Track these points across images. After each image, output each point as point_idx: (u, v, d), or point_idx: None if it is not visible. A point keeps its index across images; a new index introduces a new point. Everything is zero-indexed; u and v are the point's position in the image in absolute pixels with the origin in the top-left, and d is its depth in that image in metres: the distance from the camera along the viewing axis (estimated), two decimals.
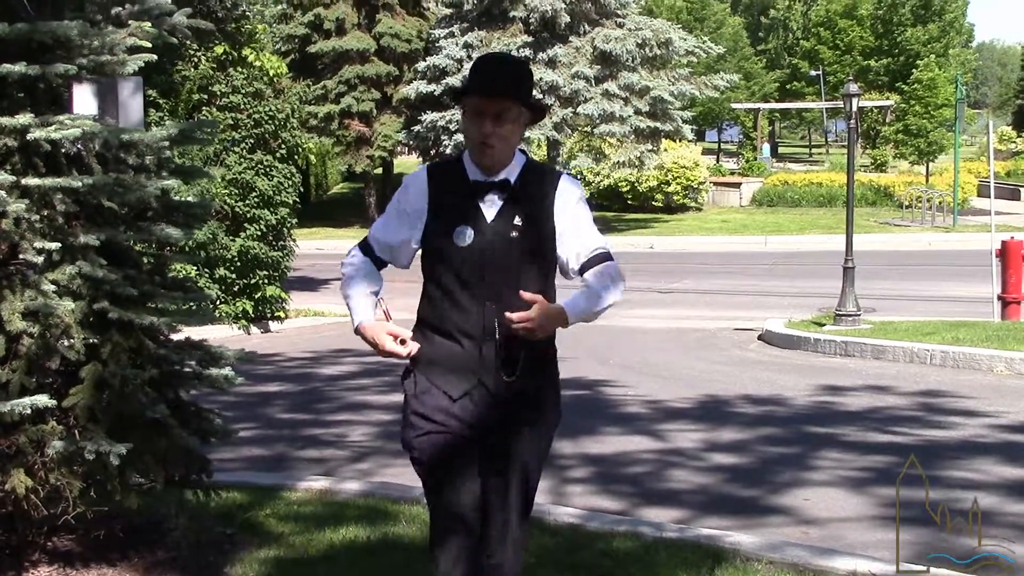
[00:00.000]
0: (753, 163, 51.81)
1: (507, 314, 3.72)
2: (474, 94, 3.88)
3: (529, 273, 3.88)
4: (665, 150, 39.05)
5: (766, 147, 61.88)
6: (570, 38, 35.37)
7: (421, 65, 37.13)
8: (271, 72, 20.92)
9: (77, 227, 5.40)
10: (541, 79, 34.06)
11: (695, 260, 28.54)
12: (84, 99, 5.93)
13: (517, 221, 3.88)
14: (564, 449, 8.75)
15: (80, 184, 5.29)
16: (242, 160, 19.37)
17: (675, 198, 42.26)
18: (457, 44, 36.05)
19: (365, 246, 4.12)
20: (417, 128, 37.07)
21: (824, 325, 16.26)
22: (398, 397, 4.29)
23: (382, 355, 3.93)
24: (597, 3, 35.63)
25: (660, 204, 42.30)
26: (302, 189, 20.98)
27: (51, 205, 5.35)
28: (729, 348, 15.45)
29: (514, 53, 34.44)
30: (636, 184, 41.85)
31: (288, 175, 19.87)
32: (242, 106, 19.49)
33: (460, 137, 34.70)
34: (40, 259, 5.28)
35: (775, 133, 76.95)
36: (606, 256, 3.93)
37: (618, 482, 7.84)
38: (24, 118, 5.23)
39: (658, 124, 35.45)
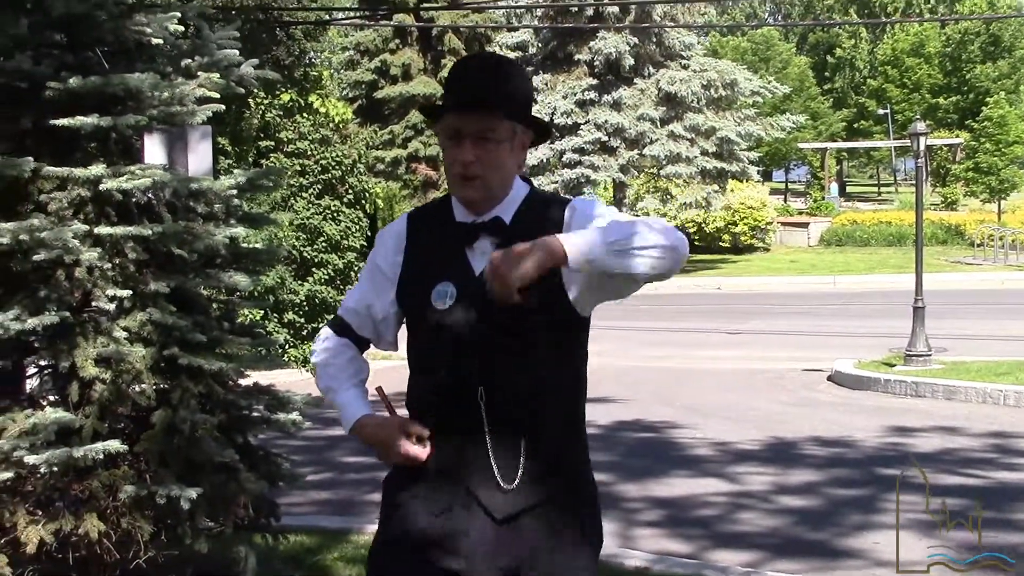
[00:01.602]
0: (821, 203, 51.52)
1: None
2: (448, 110, 2.97)
3: (536, 341, 2.93)
4: (732, 191, 38.98)
5: (834, 186, 61.48)
6: (635, 80, 35.47)
7: None
8: (337, 118, 21.17)
9: (148, 275, 5.49)
10: (607, 121, 34.21)
11: (763, 301, 28.37)
12: (154, 149, 6.05)
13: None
14: (630, 492, 8.73)
15: (151, 232, 5.38)
16: (310, 205, 19.59)
17: (742, 239, 42.09)
18: None
19: (339, 324, 3.23)
20: None
21: (894, 365, 16.08)
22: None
23: (394, 461, 3.02)
24: (662, 45, 35.73)
25: (727, 245, 42.14)
26: (369, 233, 21.16)
27: (123, 253, 5.44)
28: (798, 389, 15.33)
29: (578, 95, 34.73)
30: (703, 225, 41.74)
31: (355, 220, 20.05)
32: (309, 152, 19.73)
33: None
34: (112, 306, 5.37)
35: (843, 172, 76.46)
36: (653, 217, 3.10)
37: (687, 525, 7.80)
38: (97, 169, 5.34)
39: (724, 165, 35.40)
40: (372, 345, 3.27)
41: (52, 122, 5.34)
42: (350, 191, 19.99)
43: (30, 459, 5.03)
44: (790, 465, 9.81)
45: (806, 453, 10.46)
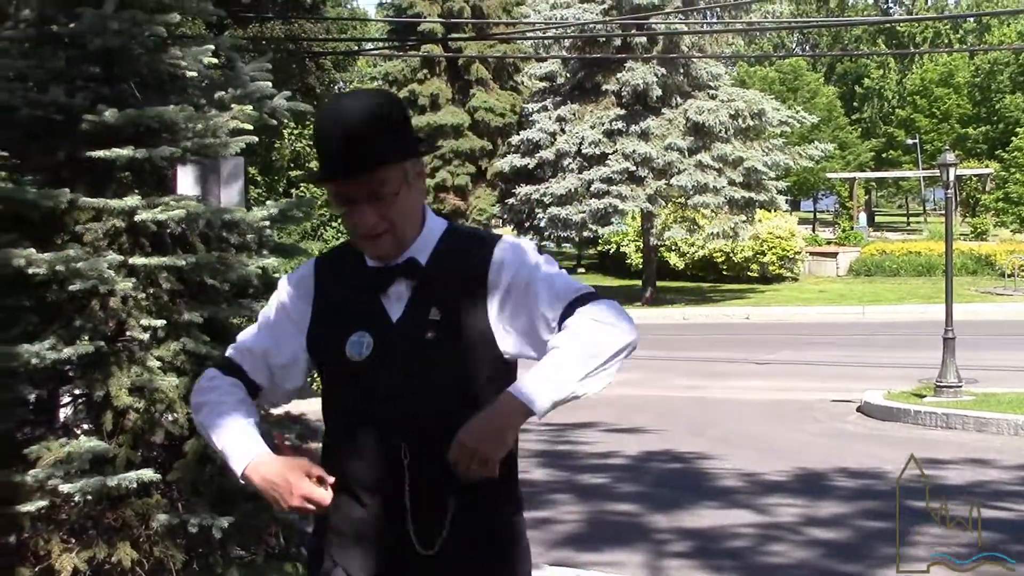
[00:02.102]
0: (850, 232, 51.36)
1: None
2: (328, 179, 2.73)
3: (458, 390, 2.71)
4: (760, 220, 38.88)
5: (863, 216, 61.30)
6: (663, 110, 35.49)
7: (515, 139, 37.48)
8: None
9: (181, 304, 5.55)
10: (634, 151, 34.24)
11: (791, 330, 28.27)
12: (187, 180, 6.11)
13: (434, 315, 2.73)
14: (660, 523, 8.71)
15: (184, 263, 5.45)
16: (339, 235, 19.69)
17: (771, 268, 41.99)
18: (550, 118, 36.34)
19: (228, 365, 2.90)
20: (511, 201, 37.35)
21: (924, 397, 15.99)
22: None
23: (292, 508, 2.67)
24: (689, 75, 35.77)
25: (756, 274, 42.02)
26: (466, 225, 21.29)
27: (157, 283, 5.51)
28: (827, 420, 15.26)
29: (606, 125, 34.80)
30: (731, 255, 41.64)
31: None
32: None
33: (557, 210, 34.99)
34: (146, 336, 5.43)
35: (871, 202, 76.25)
36: (592, 296, 2.75)
37: (717, 556, 7.78)
38: (132, 200, 5.41)
39: (752, 194, 35.35)
40: (261, 394, 2.92)
41: (88, 154, 5.42)
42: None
43: (65, 487, 5.08)
44: (820, 497, 9.77)
45: (836, 485, 10.41)
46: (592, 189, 34.79)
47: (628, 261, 42.93)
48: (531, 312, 2.74)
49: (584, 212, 34.82)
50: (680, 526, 8.72)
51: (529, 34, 36.48)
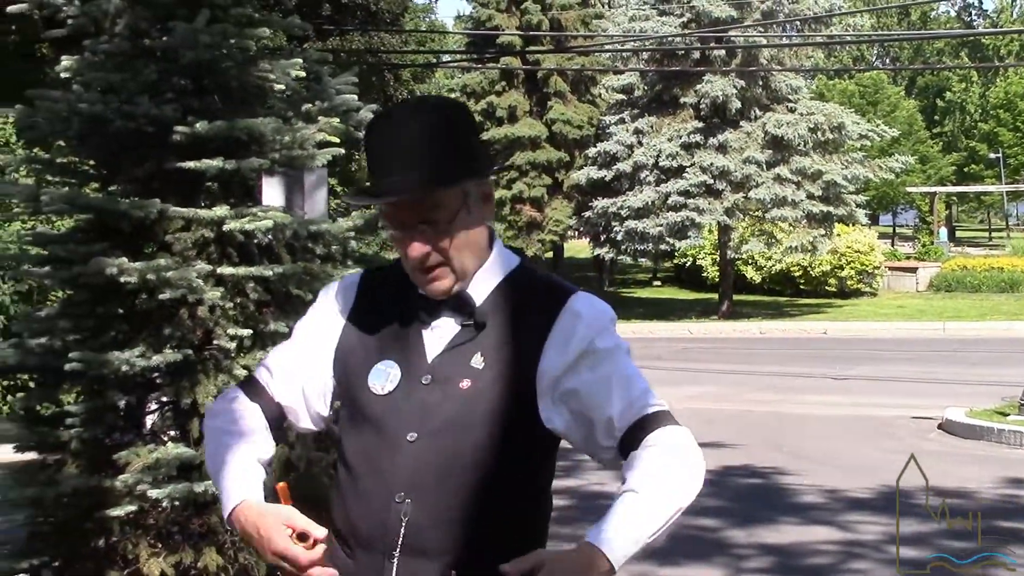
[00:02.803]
0: (930, 247, 50.73)
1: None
2: (378, 199, 2.43)
3: (483, 457, 2.36)
4: (838, 234, 38.54)
5: (943, 231, 60.49)
6: (741, 123, 35.30)
7: (592, 151, 37.45)
8: None
9: (267, 314, 5.63)
10: (712, 164, 34.07)
11: (870, 346, 27.95)
12: (272, 191, 6.19)
13: (476, 363, 2.36)
14: (739, 538, 8.66)
15: (271, 273, 5.52)
16: None
17: (849, 283, 41.57)
18: (627, 130, 36.28)
19: (255, 387, 2.59)
20: (588, 214, 37.33)
21: (1008, 415, 15.73)
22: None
23: (268, 559, 2.36)
24: (768, 88, 35.55)
25: (833, 289, 41.62)
26: (542, 272, 21.31)
27: (244, 293, 5.58)
28: (907, 437, 15.06)
29: (683, 138, 34.68)
30: (808, 269, 41.29)
31: None
32: None
33: (633, 223, 34.92)
34: (233, 345, 5.51)
35: (952, 217, 75.25)
36: (666, 417, 2.41)
37: (797, 573, 7.72)
38: (220, 210, 5.49)
39: (831, 208, 35.03)
40: (287, 415, 2.59)
41: (178, 165, 5.51)
42: None
43: (153, 493, 5.17)
44: (902, 514, 9.64)
45: (918, 503, 10.28)
46: (669, 202, 34.67)
47: (704, 274, 42.72)
48: (596, 406, 2.38)
49: (661, 225, 34.71)
50: (760, 542, 8.66)
51: (607, 47, 36.46)
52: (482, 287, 2.44)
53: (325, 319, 2.56)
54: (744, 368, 21.65)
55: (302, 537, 2.30)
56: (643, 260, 43.87)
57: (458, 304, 2.41)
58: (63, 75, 5.73)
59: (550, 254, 43.62)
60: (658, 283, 49.54)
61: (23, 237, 12.81)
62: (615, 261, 43.10)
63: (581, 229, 40.87)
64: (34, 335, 5.60)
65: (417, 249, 2.34)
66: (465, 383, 2.36)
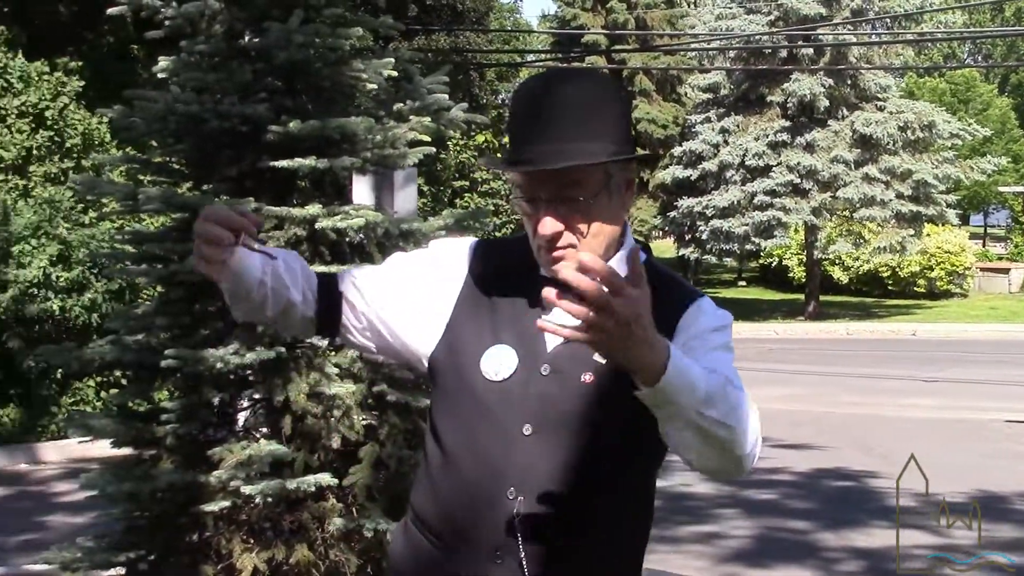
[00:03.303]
0: (1023, 248, 49.83)
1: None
2: (510, 167, 2.23)
3: (603, 455, 2.23)
4: (928, 235, 37.99)
5: None
6: (829, 122, 34.93)
7: (677, 150, 37.28)
8: None
9: None
10: (799, 163, 33.74)
11: (961, 348, 27.51)
12: (362, 189, 6.23)
13: (599, 356, 2.09)
14: (829, 541, 8.57)
15: None
16: None
17: (938, 284, 40.95)
18: (713, 129, 36.06)
19: (328, 281, 2.42)
20: (673, 213, 37.16)
21: None
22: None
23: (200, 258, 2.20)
24: (857, 87, 35.14)
25: (923, 290, 41.03)
26: (664, 268, 21.36)
27: None
28: (1001, 441, 14.80)
29: (770, 137, 34.37)
30: (897, 270, 40.75)
31: None
32: (503, 192, 19.99)
33: (719, 222, 34.69)
34: (324, 343, 5.54)
35: None
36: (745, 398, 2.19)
37: None
38: (313, 209, 5.52)
39: (920, 208, 34.54)
40: (341, 316, 2.38)
41: (272, 164, 5.55)
42: None
43: (246, 489, 5.21)
44: (997, 519, 9.48)
45: (1014, 508, 10.10)
46: (755, 202, 34.41)
47: (790, 275, 42.32)
48: None
49: (747, 225, 34.46)
50: (851, 545, 8.56)
51: (693, 45, 36.25)
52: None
53: (435, 278, 2.36)
54: (832, 370, 21.41)
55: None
56: (728, 260, 43.61)
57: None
58: (160, 75, 5.80)
59: None
60: (743, 283, 49.17)
61: (113, 236, 13.04)
62: (700, 261, 42.87)
63: (666, 228, 40.68)
64: (130, 332, 5.68)
65: (549, 226, 2.18)
66: (587, 376, 2.21)
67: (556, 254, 2.20)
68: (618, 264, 2.27)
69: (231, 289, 2.30)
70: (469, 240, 2.43)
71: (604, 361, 2.10)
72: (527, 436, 2.20)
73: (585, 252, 1.97)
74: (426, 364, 2.37)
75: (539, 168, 2.16)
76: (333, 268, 5.48)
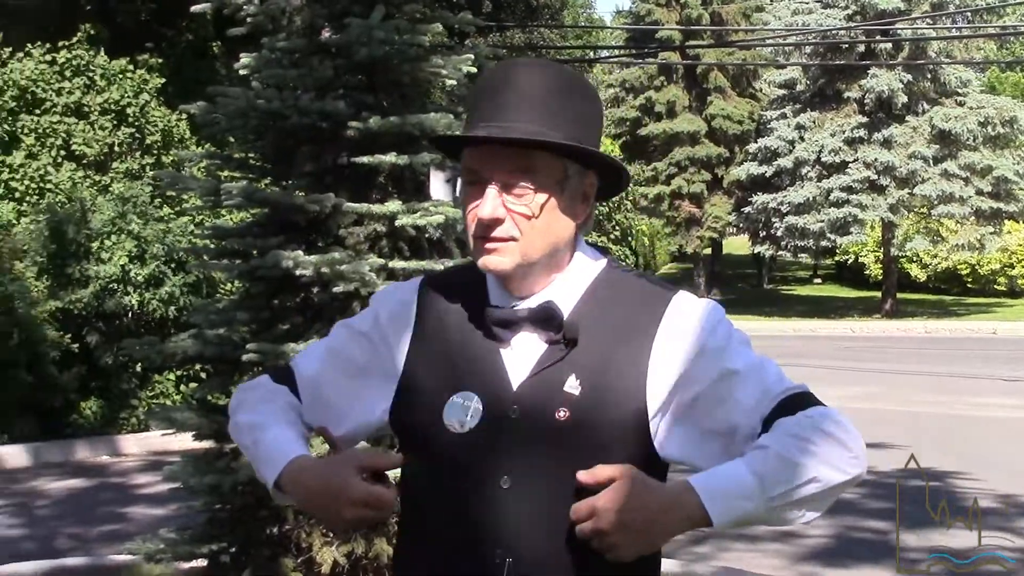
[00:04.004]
0: None
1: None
2: (464, 142, 2.05)
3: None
4: (1009, 232, 37.41)
5: None
6: (907, 118, 34.56)
7: (752, 147, 37.07)
8: None
9: None
10: (876, 160, 33.39)
11: None
12: (439, 186, 6.24)
13: (571, 387, 1.98)
14: (909, 542, 8.45)
15: (441, 267, 5.55)
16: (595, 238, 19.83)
17: (1020, 282, 40.31)
18: (789, 125, 35.79)
19: (284, 374, 2.25)
20: (747, 210, 36.94)
21: None
22: None
23: (347, 523, 2.02)
24: (937, 82, 34.72)
25: (1003, 288, 40.42)
26: (632, 269, 21.34)
27: None
28: None
29: (847, 133, 34.02)
30: (976, 267, 40.18)
31: (622, 256, 20.16)
32: None
33: (794, 219, 34.40)
34: None
35: None
36: (812, 398, 2.00)
37: None
38: (393, 205, 5.55)
39: (1001, 205, 34.06)
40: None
41: (352, 160, 5.58)
42: (616, 227, 20.14)
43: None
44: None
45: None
46: (831, 198, 34.12)
47: (866, 272, 41.90)
48: (724, 411, 1.99)
49: (823, 222, 34.18)
50: (931, 546, 8.43)
51: (769, 41, 35.98)
52: (567, 295, 2.05)
53: (379, 339, 2.16)
54: (909, 368, 21.16)
55: (376, 476, 1.99)
56: (803, 257, 43.25)
57: (544, 317, 2.01)
58: (241, 72, 5.85)
59: (708, 251, 43.27)
60: (818, 280, 48.76)
61: (190, 231, 13.19)
62: (774, 258, 42.60)
63: (740, 225, 40.47)
64: (211, 326, 5.73)
65: (491, 208, 1.96)
66: (562, 413, 1.96)
67: (490, 245, 1.99)
68: (573, 277, 2.08)
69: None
70: (414, 282, 2.20)
71: (578, 392, 1.97)
72: (507, 490, 1.97)
73: None
74: (372, 416, 2.16)
75: (492, 137, 1.96)
76: (412, 264, 5.50)
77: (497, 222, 1.97)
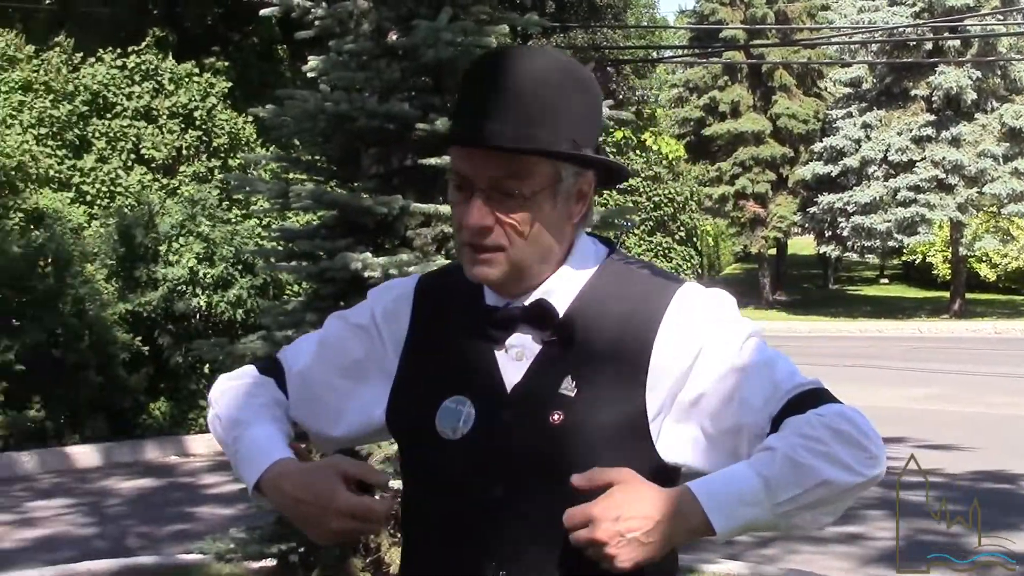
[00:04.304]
0: None
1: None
2: (452, 141, 1.92)
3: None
4: None
5: None
6: (976, 115, 34.11)
7: (817, 146, 36.77)
8: (669, 155, 21.30)
9: None
10: (944, 158, 33.00)
11: None
12: None
13: (567, 388, 1.86)
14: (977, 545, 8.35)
15: None
16: (641, 242, 19.77)
17: None
18: (855, 124, 35.47)
19: (271, 366, 2.15)
20: (813, 210, 36.67)
21: None
22: None
23: (332, 533, 1.91)
24: (1007, 79, 34.25)
25: None
26: (699, 271, 21.19)
27: None
28: None
29: (914, 131, 33.65)
30: None
31: (687, 257, 20.12)
32: (641, 189, 19.92)
33: (860, 219, 34.09)
34: None
35: None
36: (826, 395, 1.84)
37: None
38: None
39: None
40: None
41: (420, 161, 5.60)
42: (681, 228, 20.08)
43: (395, 483, 5.24)
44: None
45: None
46: (898, 197, 33.78)
47: (934, 272, 41.40)
48: (731, 409, 1.85)
49: (889, 221, 33.85)
50: (1004, 549, 8.32)
51: (835, 39, 35.68)
52: (563, 291, 1.92)
53: (373, 337, 2.06)
54: (979, 369, 20.90)
55: (363, 487, 1.89)
56: (869, 257, 42.83)
57: (537, 316, 1.91)
58: (309, 75, 5.89)
59: (773, 251, 42.96)
60: (885, 281, 48.27)
61: (258, 233, 13.30)
62: (840, 259, 42.22)
63: (805, 225, 40.16)
64: (280, 328, 5.78)
65: (477, 216, 1.83)
66: (556, 416, 1.85)
67: (482, 256, 1.86)
68: (571, 272, 1.95)
69: None
70: (411, 280, 2.09)
71: (573, 393, 1.85)
72: (501, 499, 1.86)
73: None
74: (365, 415, 2.06)
75: (480, 146, 1.83)
76: None
77: (486, 231, 1.84)
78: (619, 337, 1.88)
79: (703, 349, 1.86)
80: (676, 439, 1.87)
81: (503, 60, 1.88)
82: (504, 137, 1.81)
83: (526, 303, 1.91)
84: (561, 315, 1.90)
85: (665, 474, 1.87)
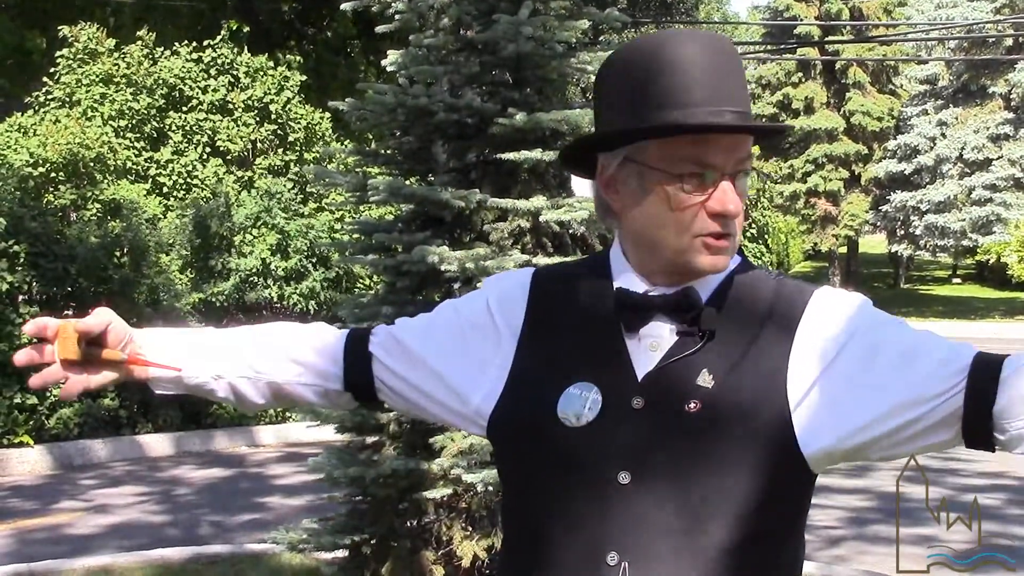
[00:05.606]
0: None
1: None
2: (687, 127, 1.74)
3: (728, 495, 1.74)
4: None
5: None
6: None
7: (891, 143, 36.39)
8: None
9: None
10: (1022, 156, 32.51)
11: None
12: (581, 182, 6.21)
13: (704, 380, 1.78)
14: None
15: None
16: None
17: None
18: (930, 122, 35.07)
19: (357, 338, 2.06)
20: (885, 208, 36.29)
21: None
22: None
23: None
24: None
25: None
26: (769, 269, 21.11)
27: None
28: None
29: (991, 129, 33.17)
30: None
31: (757, 254, 19.96)
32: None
33: (934, 218, 33.69)
34: None
35: None
36: (997, 355, 1.74)
37: None
38: (538, 201, 5.54)
39: None
40: (361, 397, 2.07)
41: (497, 156, 5.59)
42: (753, 225, 19.93)
43: (468, 477, 5.25)
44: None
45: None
46: (973, 196, 33.35)
47: (1009, 272, 40.81)
48: (895, 388, 1.75)
49: (964, 220, 33.44)
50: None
51: (911, 35, 35.27)
52: (703, 286, 1.84)
53: (489, 325, 1.96)
54: None
55: (86, 341, 1.87)
56: (942, 256, 42.33)
57: (680, 305, 1.81)
58: (388, 68, 5.90)
59: (844, 249, 42.58)
60: (957, 280, 47.65)
61: (332, 226, 13.37)
62: (911, 258, 41.73)
63: (877, 224, 39.74)
64: (356, 320, 5.78)
65: (729, 201, 1.76)
66: (692, 404, 1.76)
67: (723, 243, 1.78)
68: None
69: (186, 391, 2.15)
70: (526, 270, 2.02)
71: (711, 385, 1.77)
72: (625, 486, 1.76)
73: None
74: (485, 426, 1.94)
75: (736, 128, 1.76)
76: (555, 259, 5.49)
77: (733, 216, 1.77)
78: (759, 334, 1.81)
79: (851, 337, 1.79)
80: (819, 429, 1.77)
81: (696, 44, 1.79)
82: (751, 117, 1.79)
83: (670, 292, 1.82)
84: (705, 302, 1.82)
85: (797, 472, 1.79)
